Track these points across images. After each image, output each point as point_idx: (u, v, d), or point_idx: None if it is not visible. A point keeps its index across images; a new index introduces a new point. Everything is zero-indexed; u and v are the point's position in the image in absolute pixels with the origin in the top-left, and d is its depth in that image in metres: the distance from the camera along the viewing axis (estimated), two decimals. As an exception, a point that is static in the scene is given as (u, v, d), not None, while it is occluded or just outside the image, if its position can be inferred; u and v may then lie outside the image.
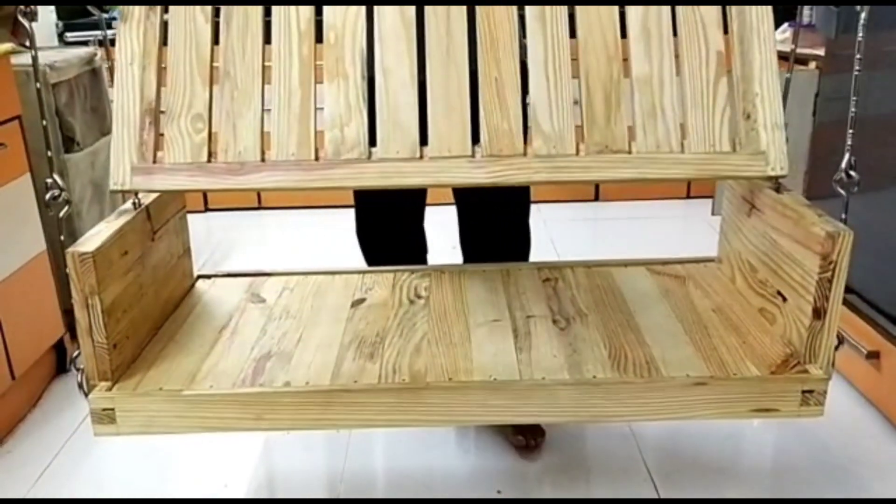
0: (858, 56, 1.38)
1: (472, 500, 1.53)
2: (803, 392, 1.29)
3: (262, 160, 1.40)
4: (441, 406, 1.31)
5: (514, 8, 1.45)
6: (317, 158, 1.40)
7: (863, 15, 1.33)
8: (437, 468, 1.61)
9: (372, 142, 1.40)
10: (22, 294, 1.91)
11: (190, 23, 1.44)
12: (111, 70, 2.39)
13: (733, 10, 1.45)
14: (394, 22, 1.43)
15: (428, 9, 1.41)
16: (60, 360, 2.13)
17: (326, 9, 1.43)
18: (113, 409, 1.30)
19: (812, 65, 2.54)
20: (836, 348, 1.29)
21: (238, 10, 1.43)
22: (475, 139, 1.41)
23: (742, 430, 1.77)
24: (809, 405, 1.30)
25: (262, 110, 1.42)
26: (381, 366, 1.38)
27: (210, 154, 1.41)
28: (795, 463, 1.65)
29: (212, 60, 1.43)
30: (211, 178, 1.39)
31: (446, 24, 1.42)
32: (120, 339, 1.38)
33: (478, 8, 1.42)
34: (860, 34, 1.37)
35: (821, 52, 2.37)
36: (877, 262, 1.81)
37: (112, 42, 2.63)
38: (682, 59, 1.43)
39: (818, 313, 1.31)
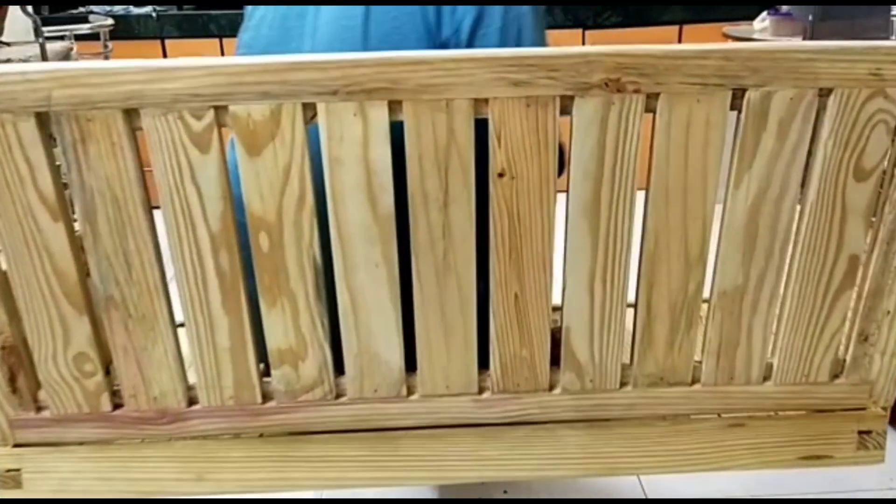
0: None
1: (478, 499, 1.34)
2: (860, 433, 0.95)
3: (189, 405, 0.85)
4: (421, 459, 0.94)
5: (552, 195, 0.77)
6: (264, 401, 0.85)
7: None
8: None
9: (339, 369, 0.88)
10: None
11: (28, 224, 0.75)
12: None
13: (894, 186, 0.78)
14: (361, 216, 0.76)
15: (414, 190, 0.78)
16: None
17: (248, 187, 0.79)
18: (19, 471, 0.91)
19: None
20: None
21: (103, 199, 0.74)
22: (482, 361, 0.86)
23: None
24: (868, 449, 0.95)
25: (177, 343, 0.82)
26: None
27: (114, 402, 0.84)
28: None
29: (81, 277, 0.78)
30: (125, 429, 0.86)
31: (442, 219, 0.76)
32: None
33: (492, 192, 0.75)
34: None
35: (799, 40, 1.98)
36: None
37: (87, 37, 2.12)
38: (793, 265, 0.80)
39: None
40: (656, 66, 0.74)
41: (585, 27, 2.67)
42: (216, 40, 2.68)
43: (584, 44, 2.67)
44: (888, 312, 0.87)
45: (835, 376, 0.92)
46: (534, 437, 0.93)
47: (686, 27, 2.70)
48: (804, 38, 1.85)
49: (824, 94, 0.76)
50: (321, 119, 0.75)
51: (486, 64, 0.74)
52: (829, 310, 0.87)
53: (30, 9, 2.06)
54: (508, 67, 0.74)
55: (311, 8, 0.90)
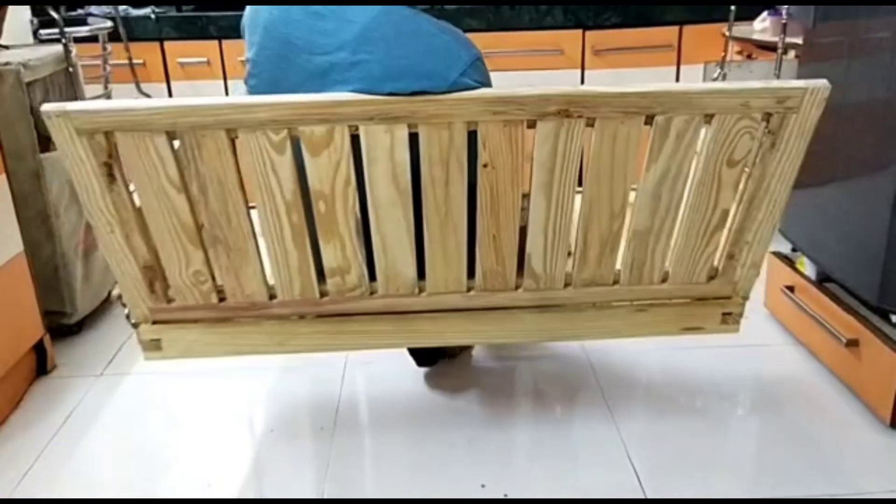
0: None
1: (480, 500, 1.40)
2: (723, 314, 1.40)
3: (270, 300, 1.31)
4: (429, 331, 1.35)
5: (519, 177, 1.17)
6: (321, 297, 1.31)
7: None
8: (423, 461, 1.50)
9: (373, 278, 1.30)
10: (0, 295, 1.62)
11: (161, 196, 1.16)
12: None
13: (756, 171, 1.18)
14: (388, 191, 1.17)
15: (426, 176, 1.16)
16: (41, 362, 1.82)
17: (311, 174, 1.16)
18: (159, 339, 1.33)
19: (791, 53, 2.26)
20: None
21: (212, 181, 1.14)
22: (470, 273, 1.30)
23: (726, 420, 1.60)
24: (728, 324, 1.39)
25: (261, 265, 1.26)
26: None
27: (220, 297, 1.30)
28: (778, 453, 1.48)
29: (196, 226, 1.20)
30: (227, 312, 1.32)
31: (445, 191, 1.17)
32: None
33: (480, 177, 1.15)
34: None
35: (799, 40, 2.05)
36: (856, 251, 1.56)
37: (79, 39, 2.09)
38: (684, 216, 1.23)
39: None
40: (594, 102, 1.08)
41: (586, 28, 2.58)
42: (215, 42, 2.59)
43: (584, 43, 2.61)
44: (748, 242, 1.27)
45: (710, 278, 1.34)
46: (505, 317, 1.36)
47: (686, 27, 2.63)
48: (804, 39, 1.84)
49: (709, 116, 1.10)
50: (362, 135, 1.09)
51: (476, 102, 1.07)
52: (707, 242, 1.27)
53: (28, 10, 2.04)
54: (491, 104, 1.07)
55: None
